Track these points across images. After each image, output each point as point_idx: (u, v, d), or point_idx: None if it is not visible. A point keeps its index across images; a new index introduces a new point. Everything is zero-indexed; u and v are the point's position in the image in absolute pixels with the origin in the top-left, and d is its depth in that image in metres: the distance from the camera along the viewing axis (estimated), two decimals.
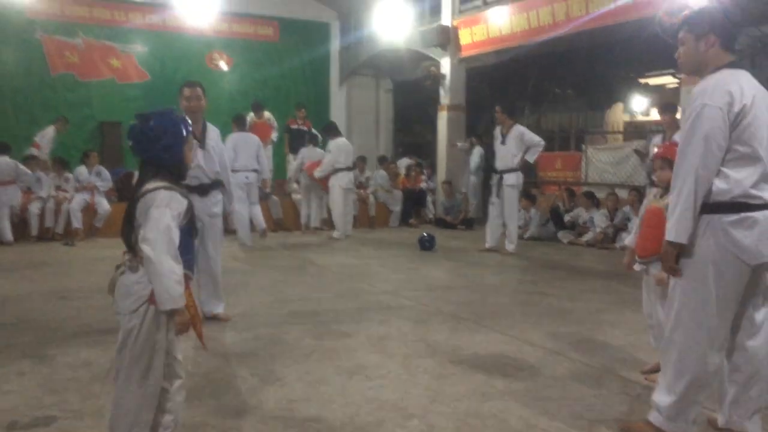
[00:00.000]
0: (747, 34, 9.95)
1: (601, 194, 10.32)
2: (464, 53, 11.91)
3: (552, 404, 3.32)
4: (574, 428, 3.03)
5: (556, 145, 14.28)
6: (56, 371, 3.78)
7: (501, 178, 8.67)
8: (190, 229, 2.49)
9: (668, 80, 13.63)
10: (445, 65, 12.21)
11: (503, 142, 8.72)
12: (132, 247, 2.40)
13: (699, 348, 2.68)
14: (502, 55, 11.72)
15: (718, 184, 2.60)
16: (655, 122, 13.10)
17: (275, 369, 3.84)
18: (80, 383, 3.58)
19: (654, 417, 2.80)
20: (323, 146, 10.77)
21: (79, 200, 9.75)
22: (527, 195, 10.45)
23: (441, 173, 12.61)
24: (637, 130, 14.32)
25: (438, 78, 12.29)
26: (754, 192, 2.58)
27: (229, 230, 7.25)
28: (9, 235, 9.24)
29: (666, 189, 3.37)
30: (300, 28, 14.99)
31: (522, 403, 3.33)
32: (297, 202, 11.36)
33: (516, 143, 8.60)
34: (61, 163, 10.23)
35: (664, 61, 10.57)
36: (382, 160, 13.33)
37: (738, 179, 2.58)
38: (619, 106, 14.12)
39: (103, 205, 9.95)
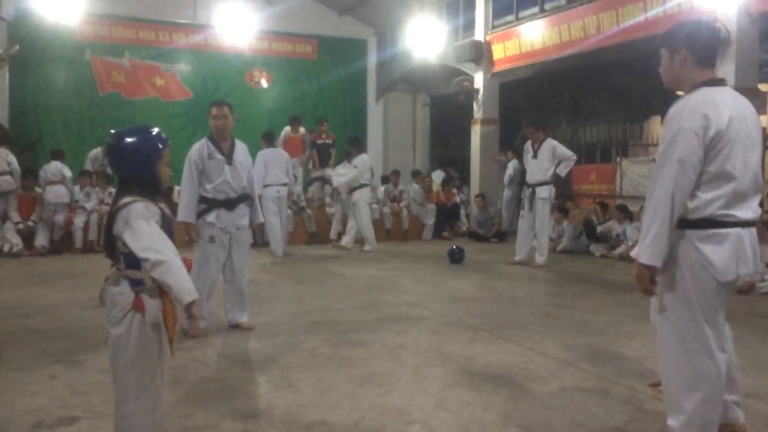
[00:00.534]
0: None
1: (635, 207, 10.21)
2: (497, 68, 11.98)
3: (554, 413, 3.37)
4: None
5: (597, 158, 14.17)
6: (84, 375, 3.99)
7: (533, 192, 8.69)
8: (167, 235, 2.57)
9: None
10: (479, 80, 12.30)
11: (535, 156, 8.76)
12: (115, 259, 2.54)
13: (699, 361, 2.67)
14: (536, 69, 11.74)
15: (691, 201, 2.62)
16: None
17: (289, 375, 3.98)
18: (105, 386, 3.76)
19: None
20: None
21: None
22: (560, 208, 10.44)
23: (474, 187, 12.66)
24: None
25: (471, 92, 12.38)
26: (722, 212, 2.61)
27: (258, 242, 7.51)
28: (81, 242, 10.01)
29: None
30: (337, 45, 15.31)
31: (524, 411, 3.39)
32: (330, 215, 11.56)
33: (548, 157, 8.64)
34: (105, 177, 10.67)
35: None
36: (416, 174, 13.45)
37: (707, 200, 2.61)
38: (657, 119, 13.95)
39: None
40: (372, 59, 15.71)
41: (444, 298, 6.50)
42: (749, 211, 2.67)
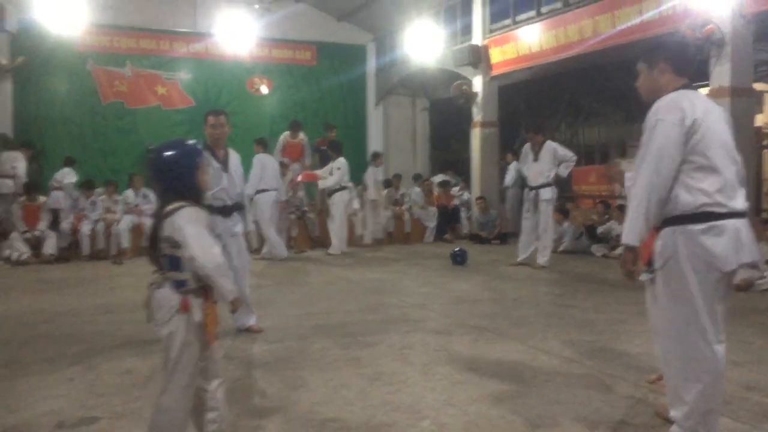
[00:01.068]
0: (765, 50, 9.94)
1: None
2: (495, 71, 12.11)
3: (559, 408, 3.47)
4: (577, 428, 3.18)
5: (597, 159, 14.28)
6: (101, 378, 4.10)
7: (537, 194, 8.80)
8: None
9: (702, 92, 13.45)
10: (477, 83, 12.43)
11: (536, 159, 8.87)
12: (158, 264, 2.71)
13: (699, 353, 2.77)
14: (535, 72, 11.86)
15: (684, 195, 2.77)
16: None
17: (301, 375, 4.09)
18: (122, 388, 3.89)
19: (673, 430, 2.85)
20: (322, 162, 11.42)
21: (126, 221, 10.29)
22: (560, 209, 10.54)
23: (475, 189, 12.77)
24: None
25: (470, 96, 12.50)
26: (718, 199, 2.75)
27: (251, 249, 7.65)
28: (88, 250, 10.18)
29: None
30: (337, 51, 15.44)
31: (530, 406, 3.50)
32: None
33: (550, 159, 8.76)
34: (112, 185, 10.79)
35: (697, 75, 10.55)
36: (417, 178, 13.57)
37: (702, 188, 2.75)
38: None
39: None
40: (371, 64, 15.85)
41: (448, 300, 6.61)
42: (740, 202, 2.80)
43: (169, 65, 13.97)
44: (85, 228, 10.11)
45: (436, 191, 13.20)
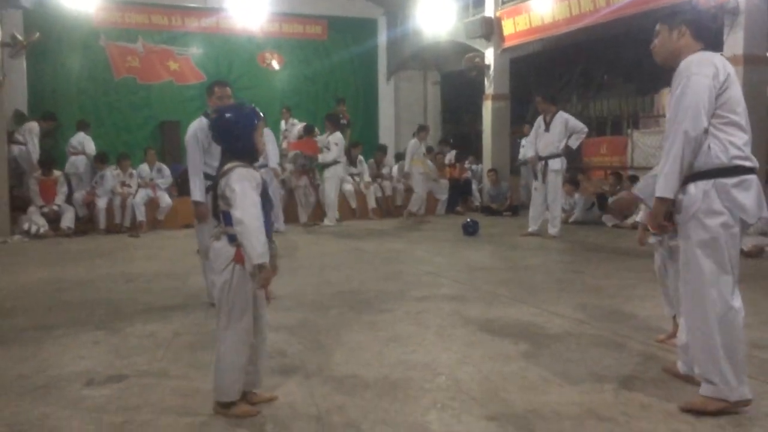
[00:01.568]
0: None
1: None
2: (507, 43, 12.05)
3: (571, 365, 3.58)
4: (587, 383, 3.28)
5: (608, 130, 14.25)
6: (125, 340, 4.24)
7: (546, 164, 8.85)
8: (263, 201, 2.89)
9: None
10: (489, 56, 12.38)
11: (547, 129, 8.91)
12: (218, 218, 2.93)
13: (730, 308, 2.83)
14: (547, 44, 11.80)
15: (716, 149, 2.82)
16: None
17: (319, 338, 4.20)
18: (146, 349, 4.03)
19: (706, 389, 2.88)
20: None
21: (142, 195, 10.43)
22: (571, 180, 10.58)
23: (487, 162, 12.80)
24: None
25: (482, 68, 12.47)
26: (748, 153, 2.85)
27: None
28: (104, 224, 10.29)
29: None
30: (348, 25, 15.38)
31: (543, 364, 3.60)
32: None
33: (560, 129, 8.80)
34: (127, 160, 10.91)
35: (714, 43, 10.48)
36: (429, 151, 13.60)
37: (732, 141, 2.83)
38: (667, 91, 14.03)
39: (165, 199, 10.61)
40: (382, 38, 15.78)
41: (461, 268, 6.71)
42: (755, 159, 2.90)
43: (181, 41, 13.99)
44: (101, 202, 10.25)
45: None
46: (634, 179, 10.15)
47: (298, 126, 12.01)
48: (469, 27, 12.42)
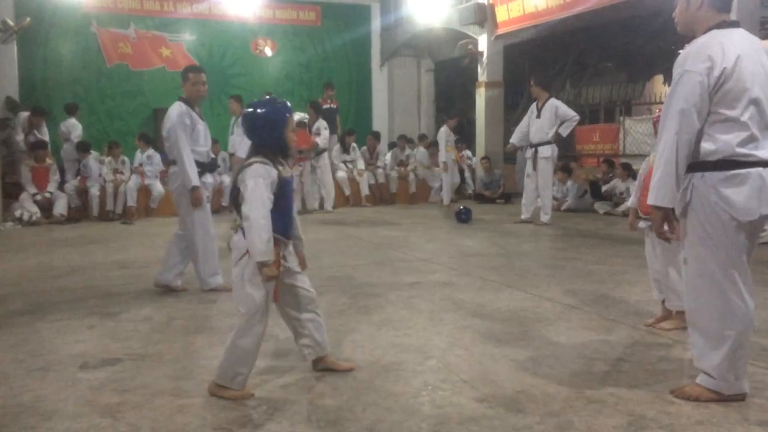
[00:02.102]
0: None
1: (639, 165, 10.39)
2: (501, 30, 12.05)
3: (561, 348, 3.63)
4: (576, 366, 3.34)
5: (601, 118, 14.30)
6: (120, 325, 4.27)
7: (536, 151, 8.89)
8: (281, 197, 2.95)
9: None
10: (483, 43, 12.38)
11: (538, 116, 8.95)
12: (237, 211, 2.98)
13: (728, 302, 2.74)
14: (540, 30, 11.80)
15: (705, 145, 2.69)
16: None
17: None
18: (141, 333, 4.06)
19: (703, 380, 2.84)
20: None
21: (135, 181, 10.43)
22: (563, 168, 10.63)
23: (480, 149, 12.82)
24: None
25: (475, 55, 12.47)
26: (741, 151, 2.65)
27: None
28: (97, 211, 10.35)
29: None
30: (341, 11, 15.33)
31: (533, 347, 3.65)
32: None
33: (550, 116, 8.83)
34: (118, 147, 10.89)
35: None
36: (422, 138, 13.63)
37: (725, 140, 2.67)
38: (659, 78, 14.05)
39: (157, 187, 10.60)
40: (376, 25, 15.74)
41: (454, 254, 6.76)
42: (760, 153, 2.68)
43: (173, 27, 13.92)
44: (94, 189, 10.24)
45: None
46: (626, 167, 10.21)
47: (296, 117, 11.96)
48: (463, 13, 12.41)
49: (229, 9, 14.02)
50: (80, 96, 13.00)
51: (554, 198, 9.80)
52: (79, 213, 10.30)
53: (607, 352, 3.53)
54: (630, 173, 10.05)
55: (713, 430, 2.59)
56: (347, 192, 11.86)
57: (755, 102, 2.67)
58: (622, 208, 9.74)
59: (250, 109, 3.02)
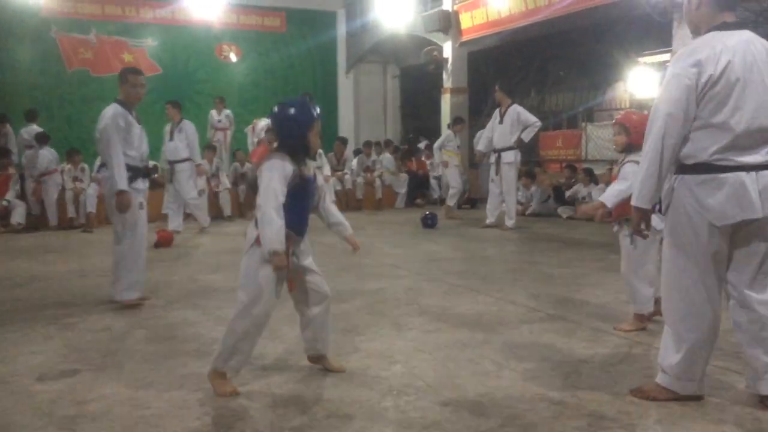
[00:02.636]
0: (746, 9, 10.10)
1: (600, 170, 10.59)
2: (465, 37, 12.18)
3: (524, 350, 3.66)
4: (539, 368, 3.37)
5: (564, 124, 14.53)
6: (79, 335, 4.18)
7: (499, 157, 8.99)
8: (298, 194, 3.03)
9: (667, 58, 13.77)
10: (447, 49, 12.50)
11: (501, 122, 9.04)
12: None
13: (695, 304, 2.74)
14: (504, 37, 11.96)
15: (685, 148, 2.67)
16: None
17: (276, 328, 4.17)
18: (101, 343, 3.98)
19: (661, 378, 2.86)
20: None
21: (94, 188, 10.22)
22: (528, 173, 10.76)
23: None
24: (641, 108, 14.50)
25: (440, 62, 12.57)
26: (718, 157, 2.62)
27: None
28: (55, 219, 10.06)
29: (621, 152, 3.73)
30: (306, 17, 15.33)
31: (497, 350, 3.68)
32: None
33: (513, 122, 8.93)
34: (77, 155, 10.68)
35: (663, 39, 10.76)
36: (388, 144, 13.67)
37: (703, 146, 2.64)
38: (621, 85, 14.35)
39: None
40: (341, 31, 15.78)
41: (419, 259, 6.78)
42: (757, 155, 2.63)
43: (136, 32, 13.76)
44: (50, 198, 10.02)
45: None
46: (588, 172, 10.38)
47: (261, 124, 11.76)
48: (427, 20, 12.51)
49: (193, 14, 13.92)
50: (39, 102, 12.75)
51: (519, 203, 9.91)
52: (38, 221, 10.06)
53: (569, 354, 3.58)
54: (592, 178, 10.23)
55: (671, 429, 2.64)
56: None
57: (741, 107, 2.61)
58: None
59: (280, 110, 3.09)
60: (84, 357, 3.71)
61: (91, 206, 10.07)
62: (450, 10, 12.24)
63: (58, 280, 5.98)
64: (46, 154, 10.20)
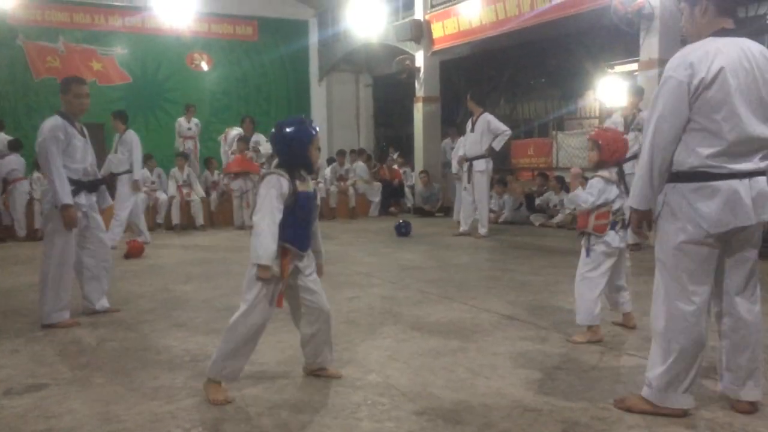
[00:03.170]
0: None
1: None
2: (437, 46, 12.25)
3: (498, 358, 3.68)
4: (513, 376, 3.38)
5: (535, 132, 14.70)
6: (47, 348, 4.09)
7: (471, 165, 9.05)
8: (297, 209, 3.09)
9: (635, 67, 14.02)
10: (419, 58, 12.56)
11: (472, 130, 9.12)
12: None
13: (683, 316, 2.71)
14: (475, 47, 12.07)
15: (678, 154, 2.67)
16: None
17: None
18: (69, 357, 3.90)
19: (645, 391, 2.83)
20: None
21: None
22: (500, 181, 10.85)
23: (418, 163, 12.95)
24: (610, 115, 14.73)
25: (412, 71, 12.63)
26: (711, 163, 2.61)
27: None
28: (24, 230, 9.90)
29: (593, 168, 3.82)
30: (278, 26, 15.29)
31: (471, 358, 3.69)
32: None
33: (483, 131, 9.00)
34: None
35: (630, 50, 10.95)
36: (361, 153, 13.68)
37: (697, 151, 2.63)
38: (590, 94, 14.58)
39: None
40: (314, 40, 15.76)
41: (393, 268, 6.77)
42: (749, 163, 2.63)
43: (105, 40, 13.59)
44: (17, 213, 9.82)
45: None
46: (559, 180, 10.49)
47: (233, 133, 11.68)
48: (399, 30, 12.56)
49: (163, 22, 13.79)
50: (5, 111, 12.52)
51: (491, 211, 9.97)
52: (5, 233, 9.86)
53: (542, 361, 3.60)
54: (563, 186, 10.33)
55: None
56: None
57: (735, 114, 2.59)
58: (556, 219, 10.00)
59: (278, 128, 3.17)
60: (52, 371, 3.64)
61: None
62: (422, 19, 12.30)
63: (24, 293, 5.85)
64: (13, 159, 10.00)
